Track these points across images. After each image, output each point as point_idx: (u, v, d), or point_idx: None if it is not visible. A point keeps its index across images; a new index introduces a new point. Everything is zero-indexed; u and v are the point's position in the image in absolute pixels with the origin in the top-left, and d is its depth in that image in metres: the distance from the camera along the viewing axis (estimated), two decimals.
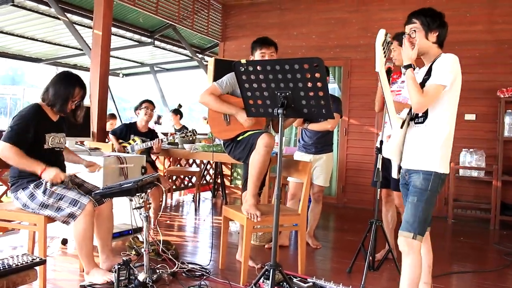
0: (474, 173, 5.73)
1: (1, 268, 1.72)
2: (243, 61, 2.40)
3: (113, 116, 7.73)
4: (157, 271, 3.05)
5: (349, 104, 6.65)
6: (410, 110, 2.44)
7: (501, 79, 5.74)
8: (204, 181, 7.40)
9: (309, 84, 2.29)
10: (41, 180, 2.84)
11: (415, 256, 2.34)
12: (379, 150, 3.11)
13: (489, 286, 3.40)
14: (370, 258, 3.21)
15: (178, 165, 7.02)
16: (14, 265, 1.77)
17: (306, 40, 7.00)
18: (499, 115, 5.60)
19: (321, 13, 6.91)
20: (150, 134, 4.88)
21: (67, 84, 2.96)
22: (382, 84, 2.30)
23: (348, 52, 6.59)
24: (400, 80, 3.57)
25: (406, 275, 2.35)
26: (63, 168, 3.04)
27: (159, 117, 11.28)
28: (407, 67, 2.32)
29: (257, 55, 3.42)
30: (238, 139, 3.31)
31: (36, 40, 8.26)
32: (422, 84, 2.42)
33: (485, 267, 3.88)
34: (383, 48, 2.22)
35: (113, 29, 6.59)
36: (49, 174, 2.78)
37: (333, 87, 7.21)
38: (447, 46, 6.27)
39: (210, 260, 3.56)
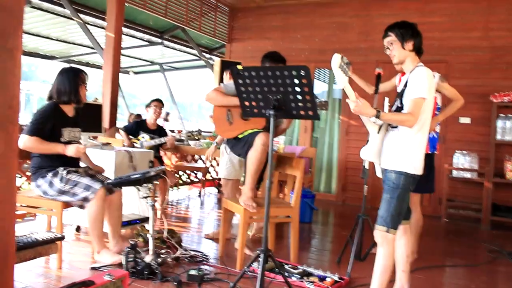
0: (467, 175, 5.96)
1: (30, 241, 2.04)
2: (240, 67, 2.68)
3: (139, 116, 8.03)
4: (162, 255, 3.35)
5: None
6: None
7: (494, 84, 5.95)
8: (210, 177, 7.69)
9: (297, 89, 2.56)
10: (57, 169, 3.17)
11: (388, 247, 2.61)
12: None
13: (467, 278, 3.66)
14: (357, 249, 3.47)
15: (185, 161, 7.33)
16: (40, 239, 2.10)
17: (309, 43, 7.27)
18: (492, 119, 5.82)
19: (324, 17, 7.17)
20: (158, 131, 5.20)
21: (72, 76, 3.28)
22: (348, 95, 2.55)
23: (349, 55, 6.64)
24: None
25: (379, 263, 2.63)
26: (78, 160, 3.37)
27: (167, 114, 11.60)
28: (377, 116, 2.51)
29: None
30: (239, 137, 3.61)
31: (51, 38, 8.62)
32: (401, 94, 2.68)
33: (468, 263, 4.11)
34: (342, 69, 2.47)
35: (124, 30, 6.90)
36: (71, 150, 3.14)
37: (337, 88, 7.48)
38: (444, 51, 6.52)
39: (211, 249, 3.86)
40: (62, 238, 2.34)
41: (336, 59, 2.43)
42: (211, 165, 7.69)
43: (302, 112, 2.64)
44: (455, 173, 6.04)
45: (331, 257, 4.00)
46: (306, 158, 6.20)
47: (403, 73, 3.81)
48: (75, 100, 3.26)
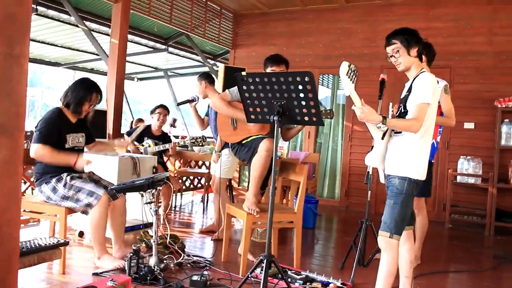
0: (471, 180, 5.94)
1: (33, 246, 2.05)
2: (244, 73, 2.70)
3: (140, 120, 8.01)
4: (164, 261, 3.35)
5: (353, 111, 6.87)
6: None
7: (499, 89, 5.94)
8: None
9: (301, 95, 2.58)
10: (61, 175, 3.19)
11: (392, 252, 2.60)
12: None
13: (470, 284, 3.64)
14: (360, 255, 3.47)
15: (188, 167, 7.34)
16: (43, 244, 2.11)
17: (313, 48, 7.29)
18: (496, 125, 5.81)
19: (328, 23, 7.20)
20: (163, 137, 5.22)
21: (85, 89, 3.30)
22: (354, 101, 2.57)
23: (353, 60, 6.66)
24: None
25: (383, 268, 2.63)
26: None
27: (174, 120, 11.61)
28: (383, 122, 2.52)
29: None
30: (243, 142, 3.62)
31: (56, 45, 8.68)
32: (404, 99, 2.69)
33: (472, 268, 4.10)
34: (349, 77, 2.48)
35: (129, 36, 6.93)
36: (81, 163, 3.18)
37: (341, 94, 7.49)
38: (447, 56, 6.52)
39: (214, 254, 3.86)
40: (66, 243, 2.35)
41: (344, 67, 2.44)
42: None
43: (306, 118, 2.65)
44: (459, 179, 6.02)
45: (335, 262, 3.99)
46: (310, 163, 6.21)
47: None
48: (73, 109, 3.28)
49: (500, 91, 5.91)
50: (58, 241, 2.21)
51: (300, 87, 2.55)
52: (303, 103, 2.61)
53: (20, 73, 1.50)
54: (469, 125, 6.14)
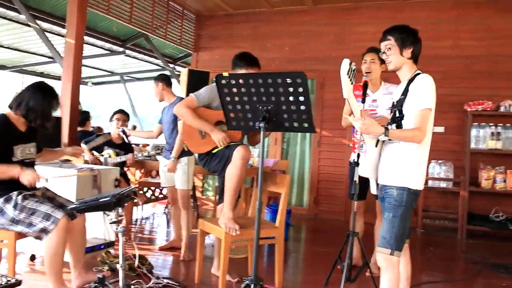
0: (443, 184, 5.87)
1: None
2: (226, 74, 2.39)
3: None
4: (132, 287, 2.97)
5: (322, 116, 6.72)
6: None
7: (467, 93, 5.92)
8: None
9: (291, 98, 2.29)
10: (10, 194, 2.73)
11: (393, 271, 2.37)
12: (356, 164, 3.14)
13: None
14: (347, 270, 3.21)
15: (149, 177, 6.90)
16: None
17: (279, 52, 7.06)
18: (466, 128, 5.77)
19: (295, 26, 6.98)
20: (124, 146, 4.78)
21: (47, 96, 2.87)
22: (352, 107, 2.34)
23: (320, 64, 6.66)
24: (370, 99, 3.61)
25: None
26: None
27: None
28: (385, 134, 2.30)
29: None
30: (214, 151, 3.26)
31: (3, 46, 8.02)
32: (399, 103, 2.46)
33: (454, 276, 3.96)
34: (349, 76, 2.25)
35: (84, 38, 6.45)
36: (26, 177, 2.70)
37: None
38: None
39: (186, 275, 3.52)
40: (18, 284, 1.92)
41: (345, 66, 2.20)
42: None
43: (295, 124, 2.37)
44: (430, 183, 5.93)
45: (315, 278, 3.71)
46: (279, 170, 5.95)
47: (356, 86, 3.60)
48: (41, 125, 2.84)
49: (468, 95, 5.89)
50: (8, 281, 1.79)
51: (291, 89, 2.27)
52: (293, 107, 2.32)
53: None
54: (439, 129, 6.07)
